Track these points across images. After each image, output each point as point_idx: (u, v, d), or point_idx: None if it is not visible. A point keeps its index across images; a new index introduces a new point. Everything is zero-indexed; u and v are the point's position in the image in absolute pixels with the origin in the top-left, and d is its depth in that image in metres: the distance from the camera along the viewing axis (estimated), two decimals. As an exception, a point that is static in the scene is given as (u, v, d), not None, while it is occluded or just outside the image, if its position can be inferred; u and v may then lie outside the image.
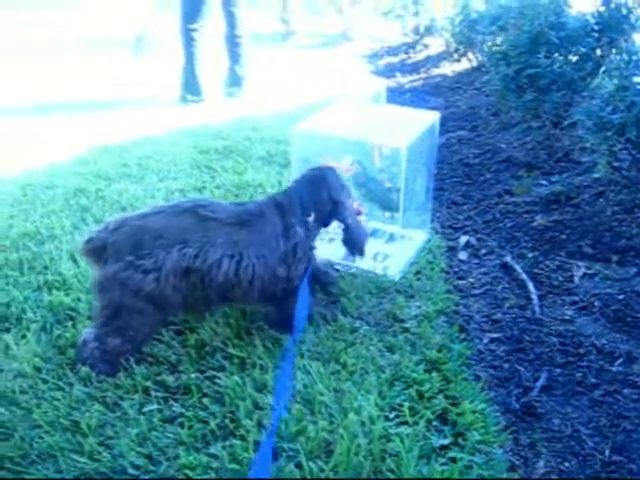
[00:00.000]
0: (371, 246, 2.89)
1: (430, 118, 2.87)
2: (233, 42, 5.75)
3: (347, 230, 2.40)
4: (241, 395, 1.93)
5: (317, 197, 2.32)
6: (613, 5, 3.98)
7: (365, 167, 2.83)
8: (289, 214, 2.22)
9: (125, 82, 6.49)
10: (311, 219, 2.29)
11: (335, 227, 2.94)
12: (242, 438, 1.80)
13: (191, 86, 5.66)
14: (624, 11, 3.98)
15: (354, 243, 2.42)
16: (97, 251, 2.03)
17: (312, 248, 2.36)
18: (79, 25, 9.50)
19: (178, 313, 2.22)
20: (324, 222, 2.39)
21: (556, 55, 3.92)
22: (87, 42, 8.35)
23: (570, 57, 4.01)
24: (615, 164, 3.25)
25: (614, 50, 3.82)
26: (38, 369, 2.09)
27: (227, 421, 1.86)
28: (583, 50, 3.97)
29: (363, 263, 2.76)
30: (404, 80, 7.13)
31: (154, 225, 2.03)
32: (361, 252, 2.44)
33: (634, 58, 3.04)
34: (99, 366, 2.07)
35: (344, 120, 2.90)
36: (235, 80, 5.89)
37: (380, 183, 2.84)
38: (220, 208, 2.14)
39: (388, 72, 7.56)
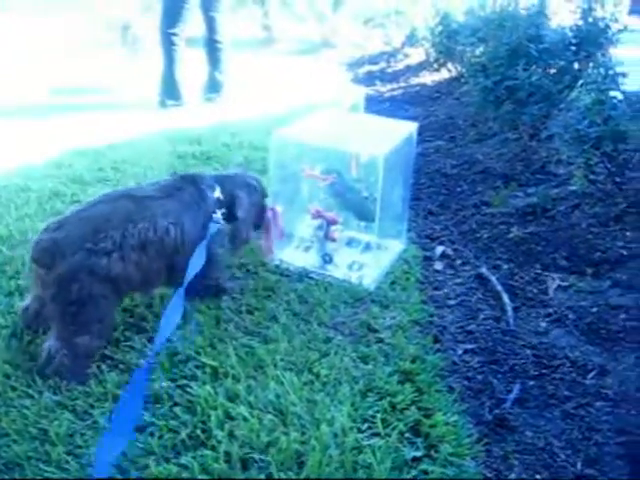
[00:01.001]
0: (347, 255, 2.90)
1: (408, 128, 2.88)
2: (213, 47, 5.75)
3: (234, 225, 2.56)
4: (213, 405, 1.91)
5: (223, 184, 2.53)
6: (591, 19, 4.03)
7: (343, 176, 2.83)
8: (200, 183, 2.44)
9: (105, 85, 6.45)
10: (217, 195, 2.47)
11: (312, 236, 2.95)
12: (213, 448, 1.77)
13: (171, 90, 5.64)
14: (602, 25, 4.03)
15: (233, 239, 2.58)
16: (49, 252, 1.99)
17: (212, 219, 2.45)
18: (59, 28, 9.43)
19: (132, 292, 2.33)
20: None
21: (534, 68, 3.95)
22: (67, 44, 8.29)
23: (548, 70, 4.05)
24: (591, 177, 3.28)
25: (591, 64, 3.86)
26: (7, 376, 2.05)
27: (198, 431, 1.84)
28: (561, 63, 4.01)
29: (338, 272, 2.75)
30: (384, 89, 7.16)
31: (99, 213, 2.12)
32: (237, 249, 2.63)
33: (610, 72, 3.07)
34: (70, 375, 2.03)
35: (322, 128, 2.90)
36: (214, 85, 5.87)
37: (357, 192, 2.84)
38: (147, 187, 2.35)
39: (368, 80, 7.59)
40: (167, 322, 2.06)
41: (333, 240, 2.91)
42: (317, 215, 2.90)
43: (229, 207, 2.52)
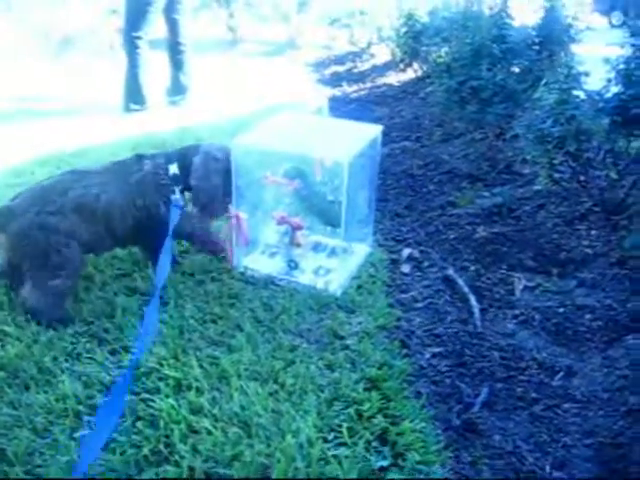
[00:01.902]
0: (313, 260, 2.87)
1: (372, 131, 2.85)
2: (176, 50, 5.69)
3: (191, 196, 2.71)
4: (176, 418, 1.87)
5: (182, 158, 2.69)
6: (553, 18, 4.05)
7: (307, 181, 2.80)
8: (147, 159, 2.65)
9: (68, 88, 6.36)
10: (173, 171, 2.64)
11: (277, 242, 2.91)
12: (176, 464, 1.73)
13: (135, 94, 5.56)
14: (564, 24, 4.06)
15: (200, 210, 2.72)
16: (2, 218, 2.35)
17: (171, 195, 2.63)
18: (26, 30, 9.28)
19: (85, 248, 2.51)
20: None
21: (498, 67, 3.95)
22: (30, 46, 8.15)
23: (512, 69, 4.06)
24: (556, 176, 3.28)
25: (554, 63, 3.88)
26: (-38, 394, 2.00)
27: (161, 446, 1.79)
28: (525, 63, 4.03)
29: (304, 278, 2.72)
30: (350, 89, 7.15)
31: (47, 185, 2.47)
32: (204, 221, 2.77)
33: (573, 72, 3.07)
34: (49, 310, 2.35)
35: (285, 133, 2.86)
36: (178, 88, 5.81)
37: (322, 197, 2.81)
38: (95, 166, 2.65)
39: (334, 81, 7.57)
40: (145, 332, 2.14)
41: (299, 245, 2.88)
42: (282, 221, 2.87)
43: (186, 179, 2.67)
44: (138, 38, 5.38)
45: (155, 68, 5.64)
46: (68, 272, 2.39)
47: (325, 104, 3.00)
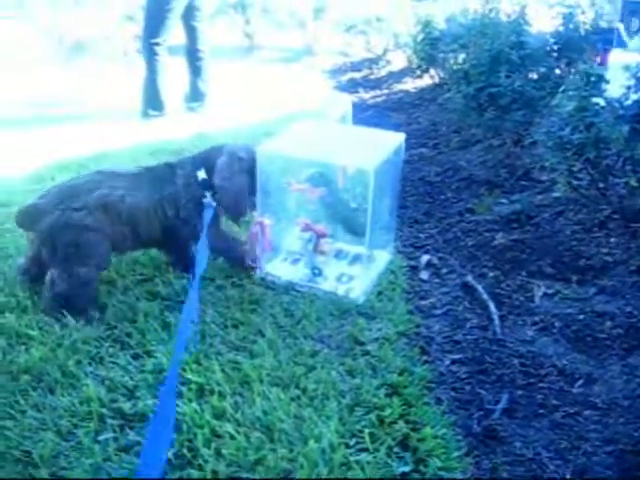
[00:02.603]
0: (335, 267, 2.88)
1: (396, 139, 2.86)
2: (194, 56, 5.70)
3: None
4: (199, 423, 1.88)
5: (206, 162, 2.73)
6: (572, 25, 4.05)
7: (332, 188, 2.81)
8: (178, 167, 2.71)
9: (82, 94, 6.40)
10: (200, 176, 2.69)
11: (301, 248, 2.92)
12: (200, 467, 1.75)
13: (153, 101, 5.59)
14: (582, 31, 4.06)
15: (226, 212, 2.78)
16: (29, 215, 2.47)
17: (202, 203, 2.70)
18: (39, 35, 9.35)
19: (114, 246, 2.60)
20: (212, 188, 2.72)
21: (516, 74, 3.95)
22: (48, 53, 8.21)
23: (530, 76, 4.06)
24: (574, 183, 3.28)
25: (573, 70, 3.88)
26: (-13, 397, 2.03)
27: (184, 450, 1.81)
28: (543, 69, 4.02)
29: (327, 285, 2.73)
30: (367, 96, 7.15)
31: (74, 184, 2.57)
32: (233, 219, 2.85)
33: (592, 79, 3.07)
34: (77, 299, 2.45)
35: (310, 140, 2.87)
36: (197, 95, 5.83)
37: (346, 204, 2.82)
38: (124, 168, 2.73)
39: (351, 87, 7.57)
40: (184, 328, 2.16)
41: (322, 253, 2.89)
42: (306, 228, 2.89)
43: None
44: (157, 44, 5.40)
45: (173, 74, 5.67)
46: (95, 262, 2.49)
47: (349, 111, 3.01)
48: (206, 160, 2.73)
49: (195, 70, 5.75)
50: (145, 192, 2.60)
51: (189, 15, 5.52)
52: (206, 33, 5.73)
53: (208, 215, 2.63)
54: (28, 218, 2.48)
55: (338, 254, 2.99)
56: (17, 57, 7.83)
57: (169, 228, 2.67)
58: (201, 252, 2.48)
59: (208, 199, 2.67)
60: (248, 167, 2.70)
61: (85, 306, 2.46)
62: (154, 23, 5.38)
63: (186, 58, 5.76)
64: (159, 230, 2.66)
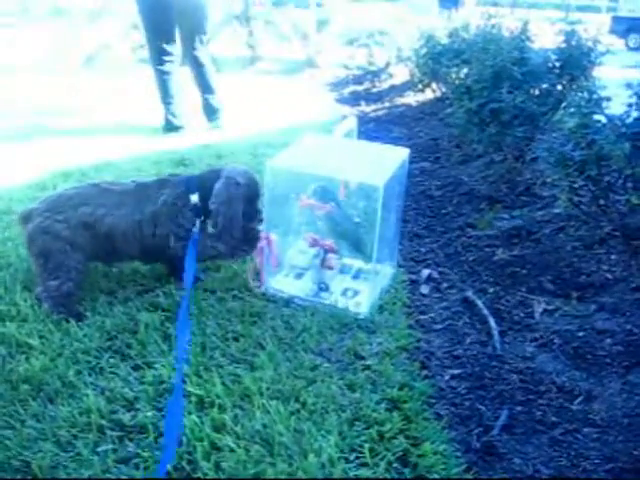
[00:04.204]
0: (340, 282, 2.89)
1: (401, 154, 2.86)
2: (199, 71, 5.66)
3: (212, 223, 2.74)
4: (198, 435, 1.88)
5: (202, 190, 2.70)
6: (574, 42, 4.06)
7: (340, 204, 2.81)
8: (168, 187, 2.70)
9: (88, 104, 6.42)
10: (194, 200, 2.69)
11: (308, 263, 2.92)
12: (199, 481, 1.75)
13: (172, 119, 5.50)
14: (585, 48, 4.07)
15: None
16: (25, 217, 2.63)
17: (194, 222, 2.70)
18: (43, 44, 9.39)
19: (91, 258, 2.72)
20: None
21: (518, 90, 3.96)
22: (50, 61, 8.25)
23: (532, 92, 4.07)
24: (575, 200, 3.28)
25: (575, 86, 3.89)
26: (-14, 407, 2.02)
27: (184, 462, 1.81)
28: (545, 86, 4.04)
29: (332, 300, 2.74)
30: (368, 109, 7.18)
31: (69, 194, 2.67)
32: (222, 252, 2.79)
33: (594, 97, 3.08)
34: (54, 307, 2.55)
35: (318, 155, 2.86)
36: (211, 111, 5.75)
37: (351, 220, 2.83)
38: (122, 183, 2.76)
39: (353, 100, 7.61)
40: (181, 340, 2.19)
41: (330, 268, 2.89)
42: (314, 243, 2.89)
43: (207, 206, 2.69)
44: (168, 61, 5.34)
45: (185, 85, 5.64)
46: (68, 276, 2.57)
47: (355, 126, 3.02)
48: (202, 182, 2.71)
49: (203, 84, 5.65)
50: (128, 211, 2.64)
51: (195, 27, 5.47)
52: (210, 45, 5.71)
53: (193, 248, 2.60)
54: (23, 221, 2.65)
55: (342, 269, 2.99)
56: (21, 64, 7.89)
57: (151, 246, 2.69)
58: (188, 269, 2.49)
59: (196, 229, 2.68)
60: (245, 193, 2.68)
61: (64, 314, 2.54)
62: (162, 35, 5.28)
63: (191, 70, 5.66)
64: (137, 248, 2.70)
